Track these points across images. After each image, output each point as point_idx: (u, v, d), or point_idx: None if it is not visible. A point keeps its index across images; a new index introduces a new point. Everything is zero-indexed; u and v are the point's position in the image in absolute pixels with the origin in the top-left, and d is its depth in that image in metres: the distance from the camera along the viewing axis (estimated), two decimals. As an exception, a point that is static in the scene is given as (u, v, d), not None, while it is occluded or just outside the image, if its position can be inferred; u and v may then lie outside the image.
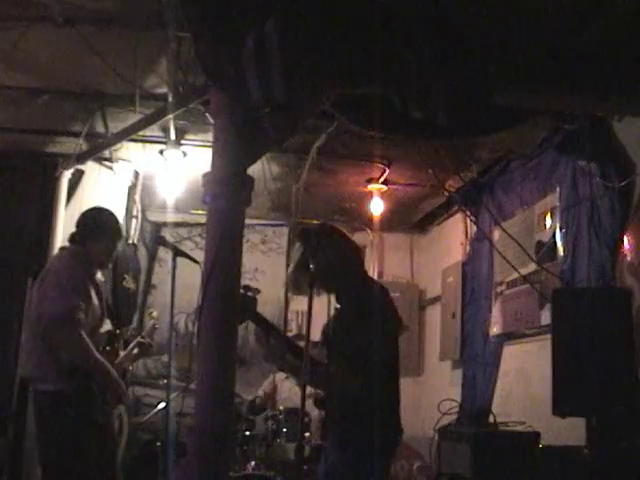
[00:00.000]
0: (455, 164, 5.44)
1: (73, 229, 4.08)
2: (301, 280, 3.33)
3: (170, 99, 4.39)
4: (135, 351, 4.25)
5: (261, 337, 3.34)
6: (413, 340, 7.47)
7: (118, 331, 4.17)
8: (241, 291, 2.98)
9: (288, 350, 3.36)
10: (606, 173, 4.13)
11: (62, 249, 4.18)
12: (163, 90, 4.49)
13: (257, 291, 3.39)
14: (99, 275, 4.15)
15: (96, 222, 4.03)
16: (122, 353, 4.15)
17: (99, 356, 3.78)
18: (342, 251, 3.44)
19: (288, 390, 5.92)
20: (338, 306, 3.48)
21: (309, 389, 3.23)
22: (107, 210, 4.21)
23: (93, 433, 3.74)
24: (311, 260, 3.01)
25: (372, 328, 3.21)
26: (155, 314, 4.86)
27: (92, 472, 3.71)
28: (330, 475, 3.31)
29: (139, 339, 4.30)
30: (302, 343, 3.18)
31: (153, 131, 5.11)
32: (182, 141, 5.35)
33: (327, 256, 3.28)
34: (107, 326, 4.07)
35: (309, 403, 3.76)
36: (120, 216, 6.01)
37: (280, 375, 6.04)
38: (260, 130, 2.70)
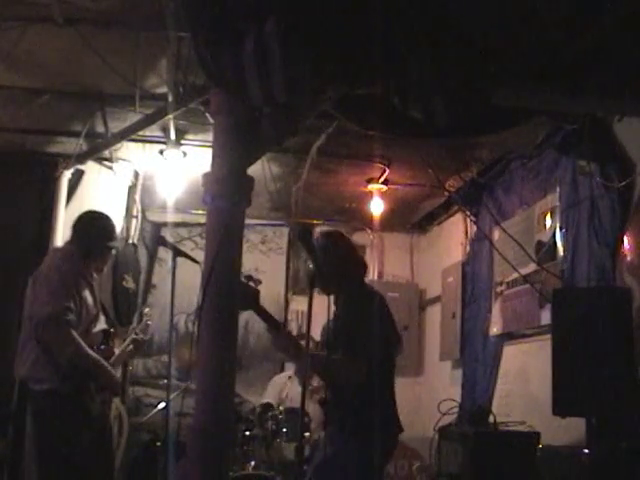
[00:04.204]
0: (455, 164, 5.45)
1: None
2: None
3: (170, 99, 4.39)
4: (130, 348, 4.25)
5: (269, 329, 3.39)
6: (413, 340, 7.47)
7: (112, 329, 4.17)
8: (243, 280, 3.01)
9: (290, 343, 3.42)
10: (606, 173, 4.13)
11: (54, 250, 4.20)
12: (163, 90, 4.49)
13: (259, 282, 3.42)
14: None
15: (89, 227, 4.04)
16: (117, 351, 4.15)
17: (91, 352, 3.79)
18: (346, 257, 3.56)
19: (297, 394, 5.90)
20: (335, 309, 3.55)
21: (311, 385, 3.25)
22: (101, 214, 4.21)
23: (89, 433, 3.75)
24: (313, 261, 3.03)
25: (369, 327, 3.28)
26: (147, 310, 4.86)
27: (88, 472, 3.71)
28: (329, 463, 3.33)
29: (133, 336, 4.31)
30: (302, 343, 3.22)
31: (153, 131, 5.11)
32: (182, 141, 5.35)
33: (333, 260, 3.39)
34: (101, 325, 4.07)
35: (309, 403, 3.77)
36: (120, 216, 6.04)
37: (283, 379, 6.06)
38: (260, 130, 2.70)
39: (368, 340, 3.26)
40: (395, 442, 3.50)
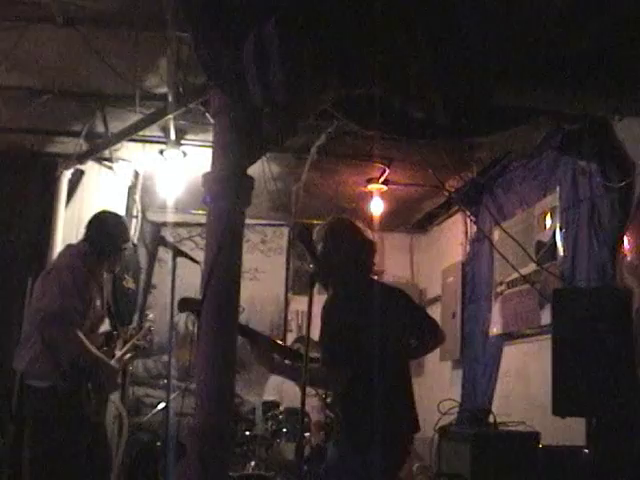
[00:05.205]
0: (455, 164, 5.45)
1: (73, 229, 4.09)
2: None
3: (170, 99, 4.39)
4: (130, 354, 4.23)
5: (250, 345, 3.30)
6: (413, 340, 7.46)
7: (115, 332, 4.17)
8: None
9: (275, 352, 3.34)
10: (606, 173, 4.13)
11: (69, 246, 4.18)
12: (163, 90, 4.49)
13: (242, 309, 3.38)
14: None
15: (104, 227, 4.03)
16: (118, 353, 4.14)
17: (94, 349, 3.79)
18: (348, 247, 3.42)
19: (294, 394, 5.90)
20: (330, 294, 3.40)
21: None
22: (116, 214, 4.23)
23: (84, 431, 3.75)
24: (312, 260, 2.99)
25: (355, 332, 3.14)
26: (151, 316, 4.85)
27: (82, 471, 3.71)
28: (332, 471, 3.28)
29: (134, 341, 4.30)
30: (302, 345, 3.18)
31: (153, 131, 5.11)
32: (182, 141, 5.35)
33: (328, 252, 3.27)
34: (105, 326, 4.07)
35: (309, 403, 3.76)
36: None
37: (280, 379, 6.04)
38: (260, 130, 2.70)
39: (351, 347, 3.09)
40: (406, 437, 3.26)
